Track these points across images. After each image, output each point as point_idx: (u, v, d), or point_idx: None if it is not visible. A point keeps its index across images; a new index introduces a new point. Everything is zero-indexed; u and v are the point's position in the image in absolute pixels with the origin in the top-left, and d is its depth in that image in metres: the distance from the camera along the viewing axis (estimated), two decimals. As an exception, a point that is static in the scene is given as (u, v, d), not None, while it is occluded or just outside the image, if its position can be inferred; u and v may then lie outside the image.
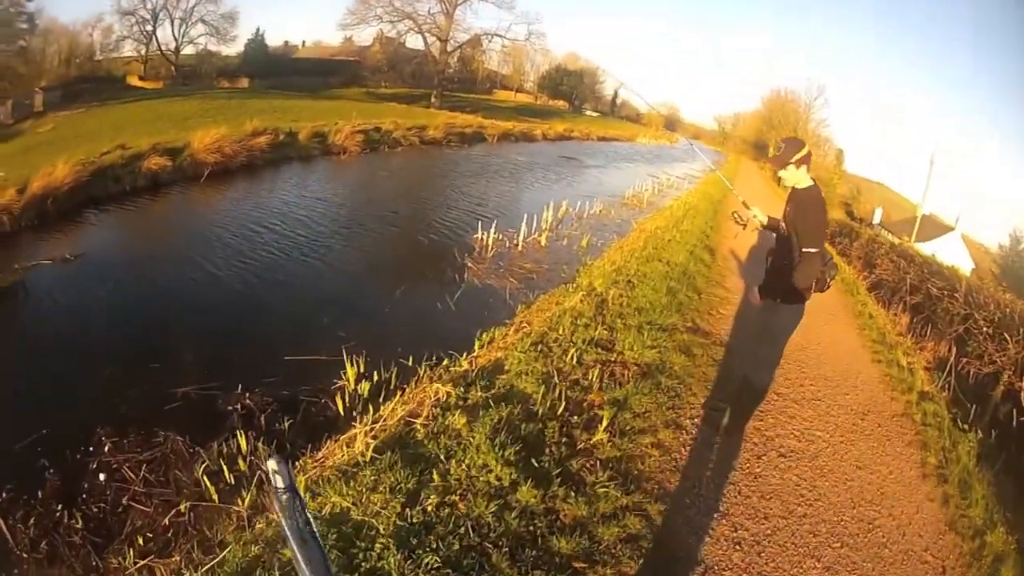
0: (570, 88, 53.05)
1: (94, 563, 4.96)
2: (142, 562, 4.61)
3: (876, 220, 43.66)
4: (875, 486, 5.64)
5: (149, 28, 35.67)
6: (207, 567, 3.95)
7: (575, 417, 5.64)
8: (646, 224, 18.03)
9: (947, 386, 8.60)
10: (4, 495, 5.70)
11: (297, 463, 5.34)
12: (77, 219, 14.82)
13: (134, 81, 31.66)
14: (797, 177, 5.07)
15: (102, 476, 5.90)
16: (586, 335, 7.50)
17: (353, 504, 4.21)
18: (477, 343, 7.82)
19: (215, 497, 5.28)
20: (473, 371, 6.46)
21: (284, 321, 9.50)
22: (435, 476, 4.42)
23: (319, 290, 11.09)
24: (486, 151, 33.30)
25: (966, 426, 7.31)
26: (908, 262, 17.84)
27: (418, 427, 5.24)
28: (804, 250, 4.87)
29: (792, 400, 7.01)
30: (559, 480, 4.58)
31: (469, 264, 12.67)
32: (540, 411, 5.55)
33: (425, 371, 7.05)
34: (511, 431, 5.03)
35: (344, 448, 5.20)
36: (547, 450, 4.97)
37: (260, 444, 5.99)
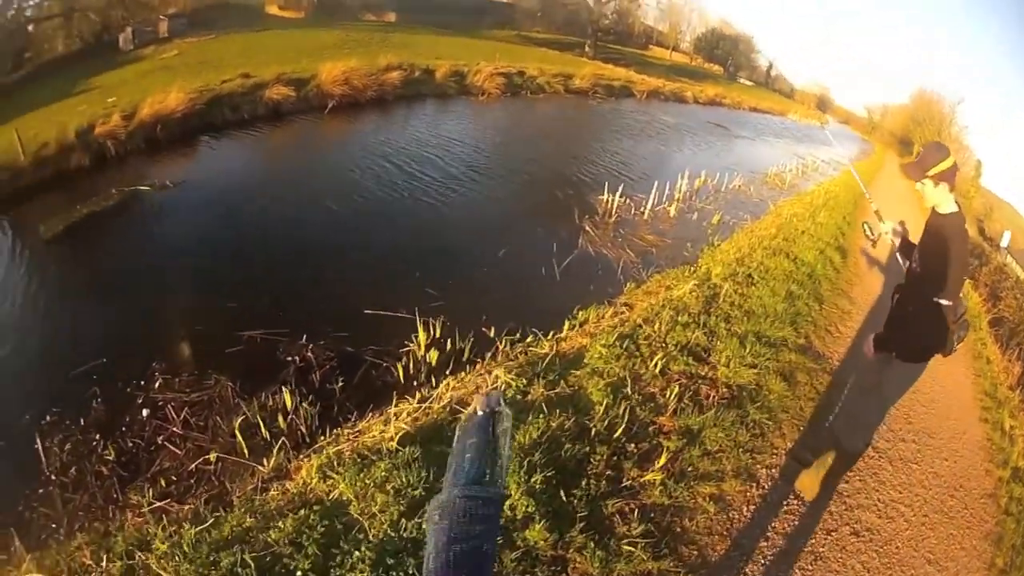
0: (725, 53, 51.03)
1: (115, 495, 5.10)
2: (158, 504, 4.62)
3: (1004, 244, 40.63)
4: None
5: (289, -43, 35.39)
6: (203, 527, 3.86)
7: (632, 445, 4.78)
8: (783, 208, 16.68)
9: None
10: (48, 418, 5.88)
11: (335, 430, 5.15)
12: (189, 146, 14.91)
13: (272, 10, 31.70)
14: (936, 197, 3.99)
15: (145, 412, 5.97)
16: (682, 337, 6.65)
17: (356, 497, 3.93)
18: (567, 323, 7.17)
19: (245, 452, 5.24)
20: (548, 357, 5.87)
21: (378, 269, 9.13)
22: (447, 488, 3.86)
23: (425, 238, 10.65)
24: (633, 107, 31.86)
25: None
26: (1032, 303, 16.30)
27: (462, 418, 4.69)
28: (935, 300, 3.88)
29: (888, 459, 5.95)
30: (583, 524, 3.87)
31: (587, 227, 11.89)
32: (595, 428, 4.78)
33: (505, 345, 6.55)
34: (552, 449, 4.34)
35: (382, 426, 4.85)
36: (584, 482, 4.22)
37: (304, 405, 5.72)
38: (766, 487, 4.91)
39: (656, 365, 5.91)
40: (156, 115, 14.82)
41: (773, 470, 5.14)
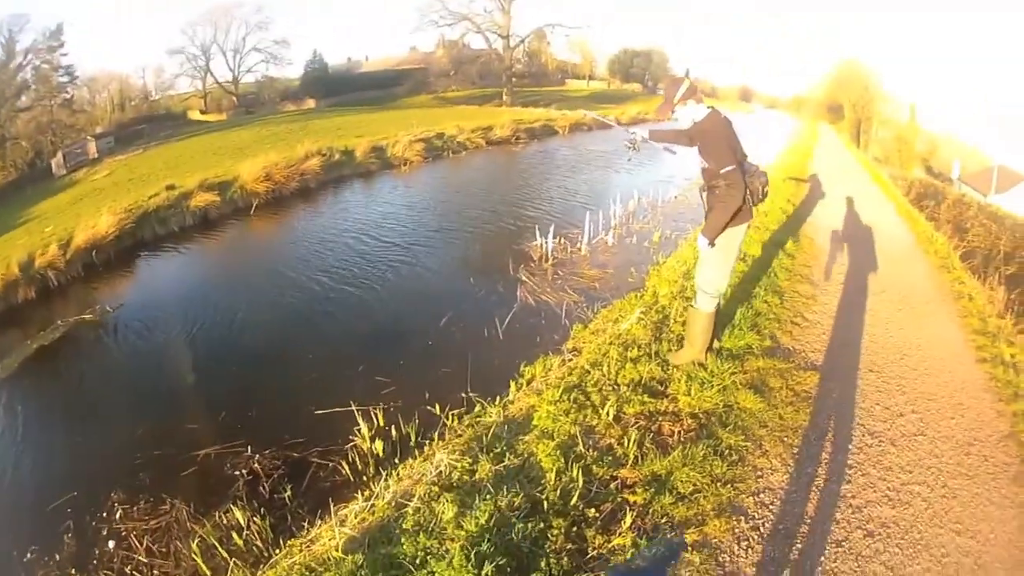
0: (641, 69, 52.04)
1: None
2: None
3: (955, 174, 41.99)
4: (972, 559, 4.17)
5: (202, 63, 37.44)
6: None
7: (592, 509, 4.32)
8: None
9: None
10: (29, 555, 6.08)
11: (289, 541, 5.07)
12: (126, 267, 15.42)
13: (195, 115, 32.16)
14: (691, 114, 5.29)
15: (111, 544, 6.07)
16: (634, 374, 6.26)
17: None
18: (513, 385, 6.95)
19: (207, 575, 5.31)
20: (492, 428, 5.71)
21: (325, 365, 9.04)
22: (394, 596, 3.73)
23: (369, 322, 10.71)
24: (557, 144, 32.16)
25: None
26: (999, 225, 16.41)
27: (409, 512, 4.56)
28: (723, 171, 5.01)
29: (890, 441, 5.42)
30: (549, 609, 3.53)
31: (524, 278, 11.76)
32: (548, 499, 4.40)
33: (452, 421, 6.49)
34: (503, 533, 4.03)
35: (331, 532, 4.72)
36: (543, 563, 3.79)
37: (256, 519, 5.77)
38: (757, 517, 4.42)
39: (609, 412, 5.55)
40: (91, 240, 15.48)
41: (762, 495, 4.62)
